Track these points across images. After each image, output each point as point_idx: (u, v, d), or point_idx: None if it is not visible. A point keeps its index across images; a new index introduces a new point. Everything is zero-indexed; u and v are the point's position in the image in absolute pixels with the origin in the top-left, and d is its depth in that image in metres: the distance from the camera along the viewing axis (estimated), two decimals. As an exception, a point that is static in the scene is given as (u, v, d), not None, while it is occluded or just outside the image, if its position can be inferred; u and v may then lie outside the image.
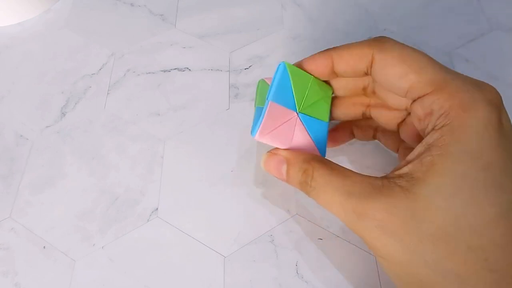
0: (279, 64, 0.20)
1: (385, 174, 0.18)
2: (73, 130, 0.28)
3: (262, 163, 0.21)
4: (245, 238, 0.24)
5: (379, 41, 0.19)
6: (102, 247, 0.24)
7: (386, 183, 0.17)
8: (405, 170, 0.17)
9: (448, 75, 0.17)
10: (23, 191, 0.26)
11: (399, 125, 0.22)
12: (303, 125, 0.20)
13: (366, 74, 0.20)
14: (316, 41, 0.32)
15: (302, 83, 0.21)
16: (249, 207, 0.25)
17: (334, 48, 0.20)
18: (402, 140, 0.23)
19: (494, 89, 0.17)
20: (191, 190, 0.26)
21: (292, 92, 0.20)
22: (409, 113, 0.21)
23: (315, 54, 0.21)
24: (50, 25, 0.34)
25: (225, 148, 0.27)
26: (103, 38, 0.33)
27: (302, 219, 0.24)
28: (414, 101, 0.19)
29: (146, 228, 0.25)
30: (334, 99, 0.23)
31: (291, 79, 0.20)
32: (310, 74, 0.21)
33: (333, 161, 0.19)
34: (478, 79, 0.18)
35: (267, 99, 0.20)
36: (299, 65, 0.22)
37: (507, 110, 0.17)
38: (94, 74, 0.31)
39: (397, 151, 0.23)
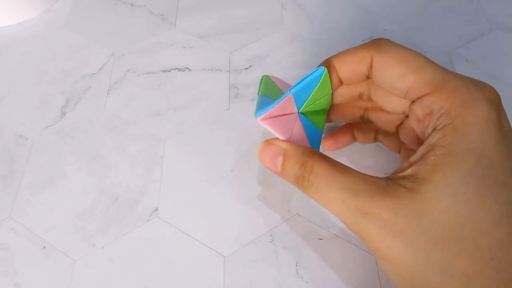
0: (320, 68, 0.20)
1: (386, 175, 0.17)
2: (73, 130, 0.28)
3: (256, 152, 0.20)
4: (245, 238, 0.24)
5: (377, 43, 0.19)
6: (102, 247, 0.24)
7: (391, 184, 0.16)
8: (409, 171, 0.17)
9: (446, 75, 0.17)
10: (23, 191, 0.26)
11: (398, 127, 0.22)
12: (302, 124, 0.20)
13: (368, 78, 0.20)
14: (316, 41, 0.32)
15: (321, 93, 0.21)
16: (249, 207, 0.25)
17: (333, 56, 0.20)
18: (402, 142, 0.22)
19: (493, 88, 0.17)
20: (191, 190, 0.26)
21: (309, 97, 0.20)
22: (406, 116, 0.21)
23: (318, 66, 0.21)
24: (50, 25, 0.34)
25: (225, 148, 0.27)
26: (103, 38, 0.33)
27: (302, 219, 0.24)
28: (412, 102, 0.19)
29: (146, 228, 0.25)
30: (331, 106, 0.23)
31: (317, 86, 0.20)
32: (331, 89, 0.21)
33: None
34: (478, 79, 0.18)
35: (290, 90, 0.19)
36: None
37: (507, 110, 0.17)
38: (94, 74, 0.31)
39: (399, 152, 0.23)
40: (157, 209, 0.25)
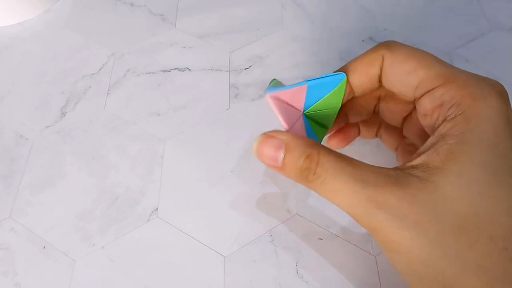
0: (341, 74, 0.20)
1: (395, 167, 0.17)
2: (73, 130, 0.28)
3: (254, 146, 0.19)
4: (245, 238, 0.24)
5: (387, 44, 0.19)
6: (102, 247, 0.24)
7: (401, 174, 0.16)
8: (418, 161, 0.16)
9: (456, 70, 0.18)
10: (23, 191, 0.26)
11: (404, 119, 0.22)
12: (304, 125, 0.20)
13: (379, 81, 0.20)
14: (316, 41, 0.32)
15: (331, 102, 0.20)
16: (249, 207, 0.25)
17: (345, 64, 0.20)
18: (402, 138, 0.22)
19: (500, 83, 0.17)
20: (191, 190, 0.26)
21: (320, 99, 0.20)
22: (415, 107, 0.21)
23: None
24: (50, 25, 0.34)
25: (225, 148, 0.27)
26: (103, 38, 0.33)
27: (302, 219, 0.24)
28: (421, 97, 0.19)
29: (146, 228, 0.25)
30: (350, 103, 0.23)
31: (332, 91, 0.20)
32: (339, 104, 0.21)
33: None
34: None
35: (306, 81, 0.19)
36: None
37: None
38: (94, 74, 0.31)
39: (396, 150, 0.23)
40: (157, 209, 0.25)
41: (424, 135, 0.20)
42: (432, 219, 0.15)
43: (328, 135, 0.24)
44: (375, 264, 0.23)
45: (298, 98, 0.20)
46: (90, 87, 0.30)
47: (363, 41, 0.31)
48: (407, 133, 0.22)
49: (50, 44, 0.33)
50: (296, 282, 0.23)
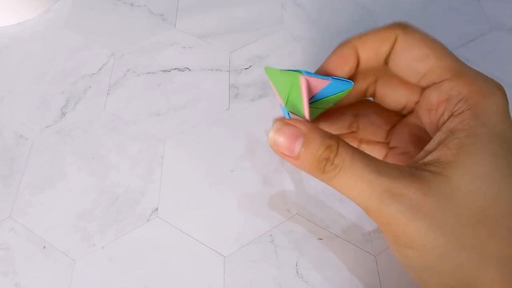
0: (351, 82, 0.19)
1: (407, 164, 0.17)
2: (73, 130, 0.28)
3: (270, 134, 0.18)
4: (245, 238, 0.24)
5: (403, 24, 0.19)
6: (102, 247, 0.24)
7: (414, 169, 0.16)
8: (430, 158, 0.16)
9: (464, 65, 0.18)
10: (23, 191, 0.26)
11: (389, 132, 0.22)
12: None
13: (385, 61, 0.20)
14: (316, 41, 0.32)
15: (328, 102, 0.20)
16: (249, 207, 0.25)
17: (355, 37, 0.20)
18: (386, 151, 0.22)
19: (500, 83, 0.17)
20: (191, 190, 0.26)
21: (325, 97, 0.20)
22: (403, 116, 0.21)
23: (338, 47, 0.20)
24: (50, 25, 0.34)
25: (225, 148, 0.27)
26: (103, 38, 0.33)
27: (302, 219, 0.24)
28: (425, 89, 0.18)
29: (146, 228, 0.25)
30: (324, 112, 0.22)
31: (336, 95, 0.20)
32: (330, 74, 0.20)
33: None
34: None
35: (330, 77, 0.19)
36: (327, 63, 0.20)
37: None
38: (94, 74, 0.31)
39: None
40: (157, 209, 0.25)
41: (419, 140, 0.20)
42: (448, 211, 0.15)
43: None
44: (375, 264, 0.23)
45: (314, 90, 0.19)
46: (90, 87, 0.30)
47: (363, 41, 0.31)
48: (397, 142, 0.21)
49: (50, 44, 0.33)
50: (296, 282, 0.23)
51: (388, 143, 0.22)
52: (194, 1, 0.35)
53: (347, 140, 0.23)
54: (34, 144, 0.28)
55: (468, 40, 0.31)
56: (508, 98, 0.17)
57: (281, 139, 0.17)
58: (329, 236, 0.24)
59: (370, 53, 0.19)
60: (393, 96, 0.21)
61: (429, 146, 0.17)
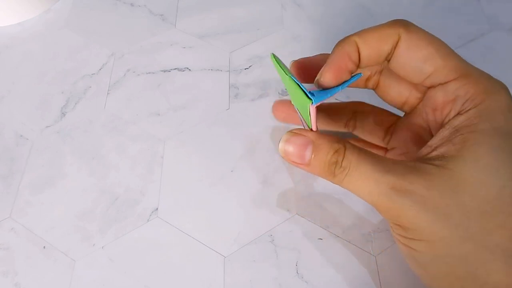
0: (359, 74, 0.19)
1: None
2: (73, 130, 0.28)
3: (282, 143, 0.19)
4: (245, 238, 0.24)
5: (404, 23, 0.18)
6: (102, 247, 0.24)
7: (418, 164, 0.16)
8: (434, 153, 0.17)
9: (469, 65, 0.18)
10: (23, 191, 0.26)
11: (386, 132, 0.22)
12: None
13: (387, 59, 0.19)
14: (316, 41, 0.32)
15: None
16: (249, 207, 0.25)
17: (356, 34, 0.19)
18: (395, 146, 0.22)
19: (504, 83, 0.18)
20: (191, 190, 0.26)
21: (330, 96, 0.19)
22: (398, 118, 0.21)
23: (340, 43, 0.19)
24: (50, 25, 0.34)
25: (225, 148, 0.27)
26: (103, 38, 0.33)
27: (302, 219, 0.24)
28: (430, 88, 0.19)
29: (146, 228, 0.25)
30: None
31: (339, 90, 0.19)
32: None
33: None
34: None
35: (341, 86, 0.18)
36: (331, 64, 0.19)
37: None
38: (94, 74, 0.31)
39: None
40: (157, 209, 0.25)
41: (420, 140, 0.20)
42: (453, 203, 0.15)
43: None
44: (375, 264, 0.23)
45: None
46: (90, 87, 0.30)
47: (363, 41, 0.31)
48: (397, 142, 0.22)
49: (50, 44, 0.33)
50: (296, 282, 0.23)
51: (386, 148, 0.23)
52: (194, 1, 0.35)
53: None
54: (34, 144, 0.28)
55: (468, 40, 0.31)
56: (509, 98, 0.17)
57: (291, 149, 0.18)
58: (329, 236, 0.24)
59: (371, 51, 0.19)
60: (397, 88, 0.20)
61: (432, 142, 0.17)
